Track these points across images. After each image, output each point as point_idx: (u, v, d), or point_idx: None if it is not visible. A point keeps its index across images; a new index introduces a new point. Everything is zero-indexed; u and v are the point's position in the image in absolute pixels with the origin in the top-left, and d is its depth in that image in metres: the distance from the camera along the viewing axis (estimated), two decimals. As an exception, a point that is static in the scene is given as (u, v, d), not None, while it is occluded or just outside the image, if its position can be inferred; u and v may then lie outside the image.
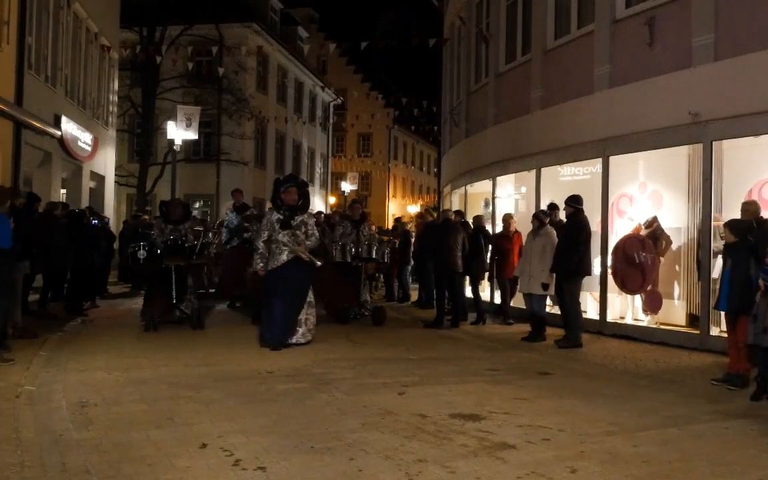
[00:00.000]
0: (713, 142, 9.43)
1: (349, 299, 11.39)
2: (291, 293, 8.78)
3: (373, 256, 11.62)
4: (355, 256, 11.34)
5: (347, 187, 41.39)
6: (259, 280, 9.71)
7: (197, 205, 29.31)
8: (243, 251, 12.26)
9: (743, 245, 6.93)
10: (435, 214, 17.52)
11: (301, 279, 8.92)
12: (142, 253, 9.97)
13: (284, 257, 8.81)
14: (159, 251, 10.01)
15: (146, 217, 18.76)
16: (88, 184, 20.32)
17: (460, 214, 13.69)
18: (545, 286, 9.98)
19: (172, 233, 10.35)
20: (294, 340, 8.80)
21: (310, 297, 9.06)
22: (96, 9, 19.98)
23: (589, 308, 11.58)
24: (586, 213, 10.17)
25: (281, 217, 8.92)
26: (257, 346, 8.99)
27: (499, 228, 14.58)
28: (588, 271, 9.89)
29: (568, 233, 9.75)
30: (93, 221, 13.77)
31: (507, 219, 11.93)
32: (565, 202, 9.98)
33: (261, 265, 8.93)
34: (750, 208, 7.68)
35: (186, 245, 10.23)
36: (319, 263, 9.34)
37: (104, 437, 4.78)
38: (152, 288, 10.56)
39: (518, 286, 10.87)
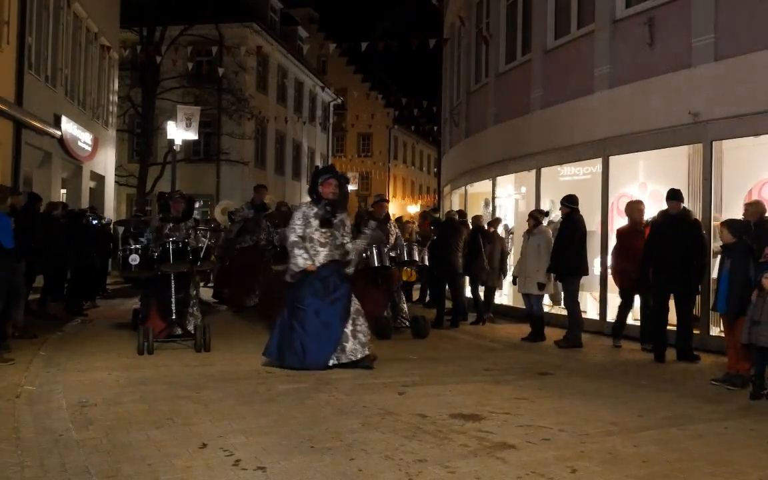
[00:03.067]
0: (713, 142, 9.43)
1: (383, 308, 10.00)
2: (330, 304, 7.44)
3: (414, 259, 10.15)
4: (392, 259, 9.76)
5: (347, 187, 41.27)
6: (278, 284, 8.86)
7: (197, 205, 29.27)
8: (255, 253, 11.26)
9: (741, 246, 6.93)
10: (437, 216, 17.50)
11: (341, 284, 7.56)
12: (134, 259, 8.35)
13: (321, 259, 7.55)
14: (156, 255, 8.41)
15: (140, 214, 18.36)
16: (88, 184, 20.33)
17: (461, 214, 13.67)
18: (541, 286, 9.98)
19: (172, 233, 8.73)
20: (338, 360, 7.35)
21: (356, 303, 7.67)
22: (96, 9, 19.98)
23: (589, 308, 11.58)
24: (587, 213, 10.19)
25: (321, 212, 7.66)
26: (257, 346, 8.95)
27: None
28: (585, 271, 9.89)
29: (563, 233, 9.76)
30: (93, 221, 13.76)
31: (637, 207, 9.59)
32: (561, 202, 10.00)
33: (309, 262, 7.46)
34: (750, 208, 7.67)
35: (189, 248, 8.59)
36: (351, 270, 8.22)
37: (104, 437, 4.78)
38: (147, 300, 9.03)
39: (517, 287, 10.88)
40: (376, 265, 8.64)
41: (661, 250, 8.44)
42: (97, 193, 21.36)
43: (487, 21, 15.58)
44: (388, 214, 10.93)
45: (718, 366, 7.86)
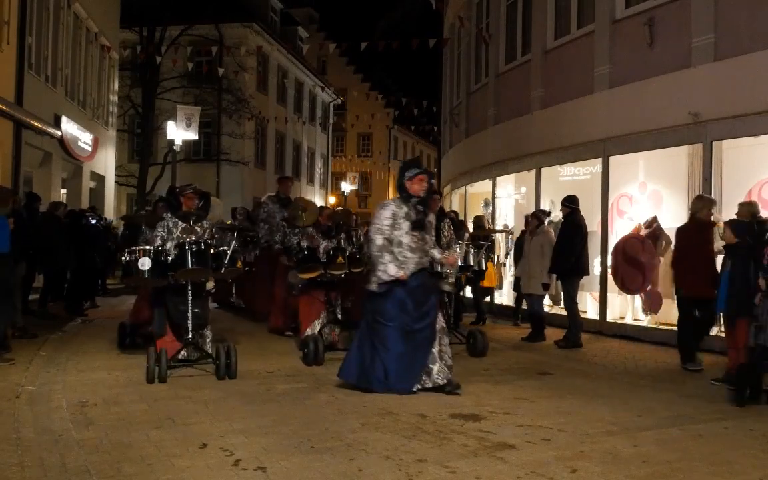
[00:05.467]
0: (713, 142, 9.44)
1: None
2: (417, 320, 6.40)
3: (470, 264, 8.68)
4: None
5: (347, 187, 41.36)
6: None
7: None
8: (277, 256, 10.24)
9: (743, 246, 6.93)
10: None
11: (429, 298, 6.54)
12: (144, 262, 6.80)
13: (411, 267, 6.42)
14: (170, 260, 6.92)
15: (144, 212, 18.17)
16: (88, 184, 20.34)
17: (455, 214, 13.62)
18: (545, 286, 9.98)
19: (184, 234, 7.23)
20: (423, 384, 6.33)
21: (441, 321, 6.67)
22: (96, 9, 19.99)
23: (589, 308, 11.59)
24: (587, 213, 10.19)
25: (413, 213, 6.49)
26: (257, 346, 8.97)
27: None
28: (585, 271, 9.89)
29: (564, 233, 9.77)
30: (92, 221, 13.75)
31: (708, 206, 8.12)
32: (561, 203, 10.01)
33: (401, 270, 6.34)
34: (742, 208, 7.65)
35: (212, 251, 7.06)
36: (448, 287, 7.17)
37: (104, 437, 4.78)
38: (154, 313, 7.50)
39: (522, 288, 10.86)
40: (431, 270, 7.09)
41: None
42: (97, 193, 21.36)
43: (487, 21, 15.59)
44: (443, 209, 9.39)
45: (718, 366, 7.85)
